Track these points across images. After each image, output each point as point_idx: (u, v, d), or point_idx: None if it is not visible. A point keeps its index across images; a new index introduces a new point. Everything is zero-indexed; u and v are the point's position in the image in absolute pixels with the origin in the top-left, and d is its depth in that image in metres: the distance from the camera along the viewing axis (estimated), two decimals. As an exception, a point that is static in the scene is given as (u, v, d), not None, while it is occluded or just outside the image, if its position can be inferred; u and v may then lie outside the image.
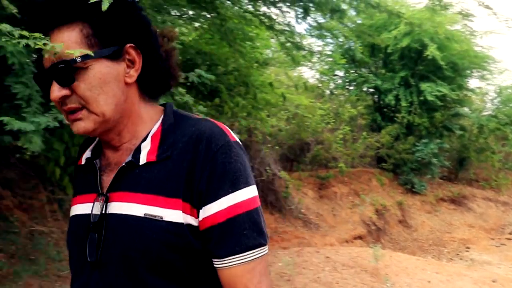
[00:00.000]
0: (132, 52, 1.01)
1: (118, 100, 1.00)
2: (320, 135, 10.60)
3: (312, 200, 10.04)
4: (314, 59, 8.68)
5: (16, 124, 2.03)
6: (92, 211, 1.02)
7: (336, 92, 13.34)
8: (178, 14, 5.75)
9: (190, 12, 5.72)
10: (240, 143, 1.03)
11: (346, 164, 11.03)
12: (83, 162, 1.11)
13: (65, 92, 0.97)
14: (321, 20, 5.83)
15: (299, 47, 6.05)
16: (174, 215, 0.95)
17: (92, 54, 0.95)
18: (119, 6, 0.99)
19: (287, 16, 5.86)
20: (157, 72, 1.06)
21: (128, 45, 1.00)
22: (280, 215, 8.85)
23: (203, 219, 0.96)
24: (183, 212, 0.95)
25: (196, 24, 6.15)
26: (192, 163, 0.96)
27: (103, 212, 1.00)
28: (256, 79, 6.09)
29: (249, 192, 0.98)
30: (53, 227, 5.23)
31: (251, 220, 0.97)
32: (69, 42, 0.96)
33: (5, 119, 2.02)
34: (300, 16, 5.25)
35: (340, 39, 7.63)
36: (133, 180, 1.00)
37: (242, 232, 0.96)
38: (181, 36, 6.39)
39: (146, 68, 1.03)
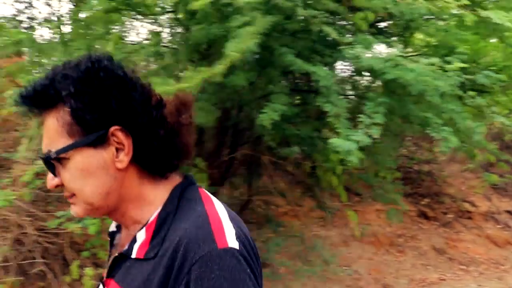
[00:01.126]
0: (119, 135, 0.89)
1: (109, 188, 0.91)
2: None
3: None
4: None
5: (340, 144, 2.29)
6: None
7: None
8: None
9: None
10: (240, 249, 0.84)
11: None
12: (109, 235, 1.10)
13: (57, 181, 0.93)
14: None
15: None
16: None
17: (66, 147, 0.89)
18: (101, 87, 0.88)
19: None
20: (155, 153, 0.93)
21: (113, 128, 0.89)
22: None
23: None
24: None
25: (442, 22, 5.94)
26: (168, 272, 0.83)
27: None
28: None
29: None
30: (331, 230, 5.65)
31: None
32: (51, 131, 0.91)
33: (334, 140, 2.30)
34: None
35: None
36: (124, 273, 0.93)
37: None
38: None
39: (142, 148, 0.92)
